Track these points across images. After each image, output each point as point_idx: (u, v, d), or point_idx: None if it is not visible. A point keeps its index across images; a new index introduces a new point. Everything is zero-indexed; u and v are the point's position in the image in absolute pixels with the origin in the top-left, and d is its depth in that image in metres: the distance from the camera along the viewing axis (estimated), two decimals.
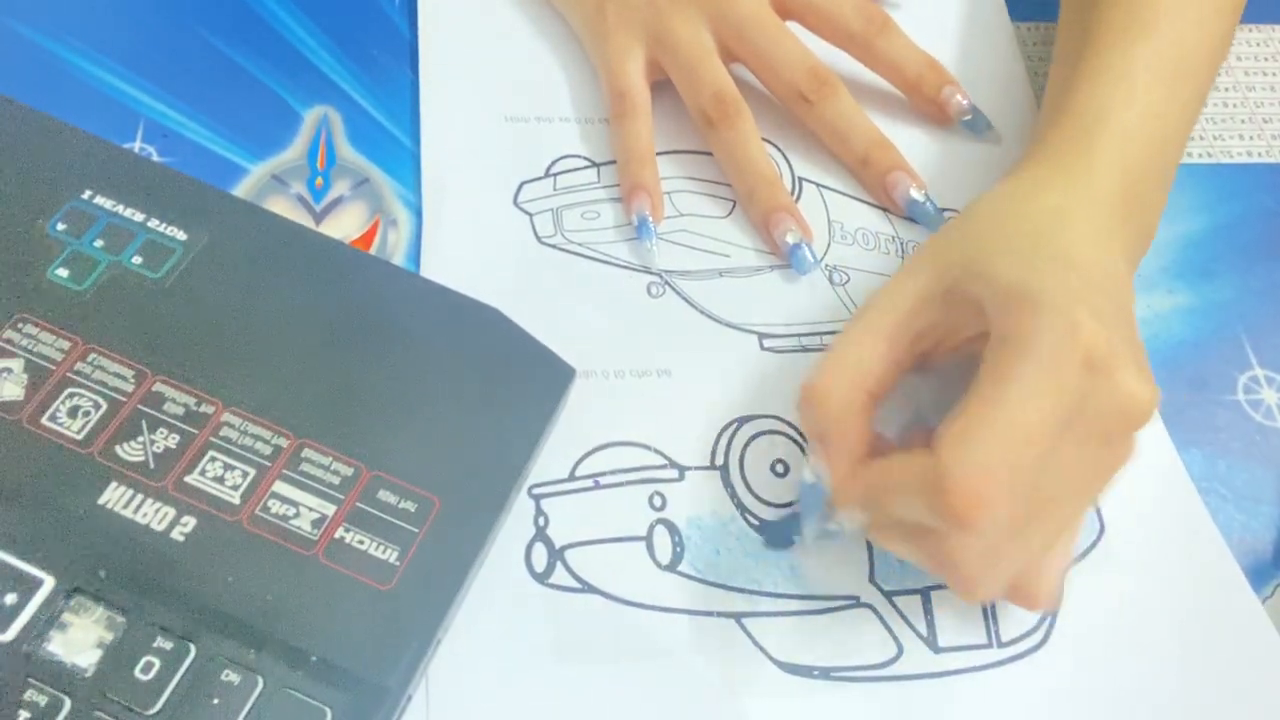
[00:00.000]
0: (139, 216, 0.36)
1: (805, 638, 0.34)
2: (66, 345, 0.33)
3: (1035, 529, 0.30)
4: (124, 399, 0.33)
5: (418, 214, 0.40)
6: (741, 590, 0.34)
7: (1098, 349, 0.28)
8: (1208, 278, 0.43)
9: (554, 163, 0.42)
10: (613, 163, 0.42)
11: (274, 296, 0.35)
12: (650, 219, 0.40)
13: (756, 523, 0.35)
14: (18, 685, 0.28)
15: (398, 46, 0.45)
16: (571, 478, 0.35)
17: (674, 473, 0.36)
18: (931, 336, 0.33)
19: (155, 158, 0.40)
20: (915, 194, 0.42)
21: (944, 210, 0.43)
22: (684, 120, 0.43)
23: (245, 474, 0.32)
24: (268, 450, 0.32)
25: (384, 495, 0.32)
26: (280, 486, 0.32)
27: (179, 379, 0.33)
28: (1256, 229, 0.45)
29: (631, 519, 0.35)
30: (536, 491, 0.35)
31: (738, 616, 0.34)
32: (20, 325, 0.33)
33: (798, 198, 0.43)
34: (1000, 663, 0.34)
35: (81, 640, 0.29)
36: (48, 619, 0.29)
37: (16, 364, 0.33)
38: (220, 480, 0.32)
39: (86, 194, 0.36)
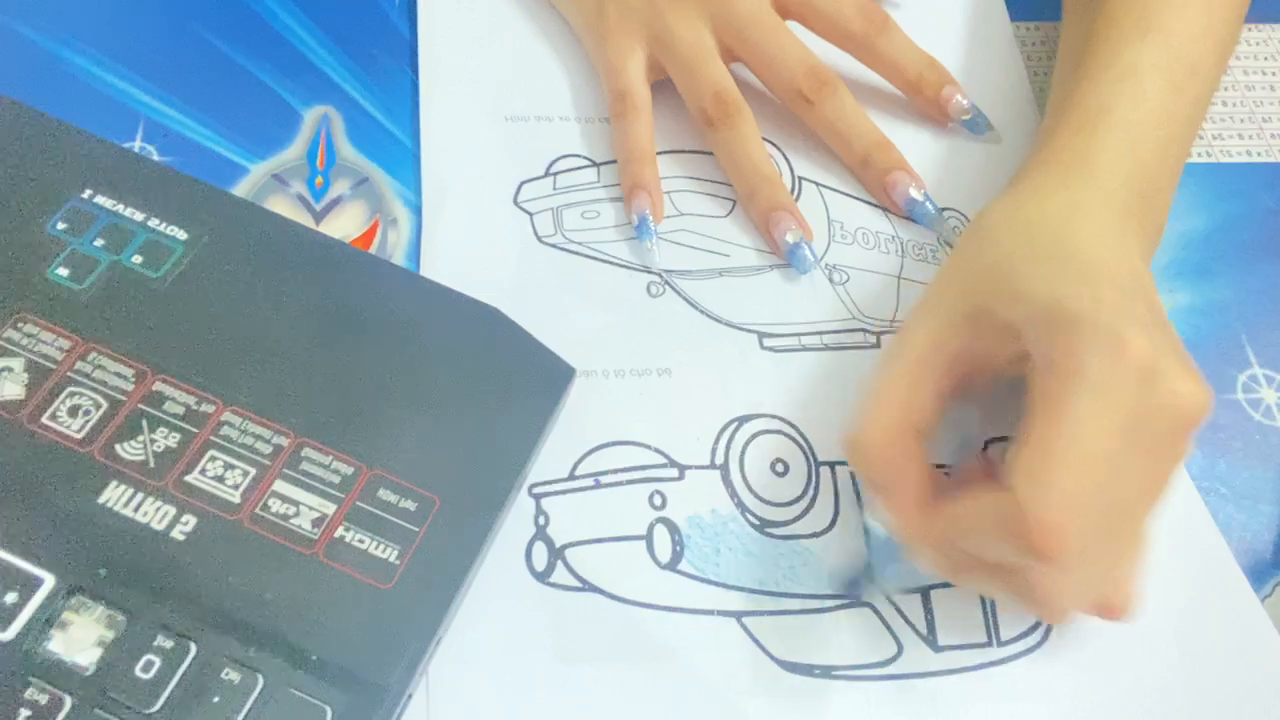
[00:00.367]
0: (139, 216, 0.36)
1: (805, 637, 0.34)
2: (67, 344, 0.33)
3: (1112, 544, 0.30)
4: (124, 398, 0.33)
5: (418, 213, 0.40)
6: (741, 589, 0.34)
7: (1148, 360, 0.28)
8: (1207, 277, 0.43)
9: (554, 162, 0.42)
10: (613, 162, 0.42)
11: (274, 296, 0.35)
12: (650, 218, 0.40)
13: (756, 521, 0.35)
14: (18, 684, 0.28)
15: (398, 46, 0.45)
16: (571, 477, 0.35)
17: (674, 472, 0.36)
18: (967, 361, 0.33)
19: (155, 157, 0.40)
20: (915, 194, 0.42)
21: (944, 210, 0.43)
22: (684, 120, 0.43)
23: (245, 473, 0.32)
24: (268, 449, 0.32)
25: (384, 494, 0.32)
26: (280, 485, 0.32)
27: (179, 378, 0.33)
28: (1256, 229, 0.45)
29: (631, 518, 0.35)
30: (536, 490, 0.35)
31: (738, 615, 0.34)
32: (20, 324, 0.33)
33: (798, 197, 0.43)
34: (1000, 661, 0.34)
35: (82, 639, 0.29)
36: (48, 618, 0.29)
37: (17, 363, 0.33)
38: (220, 479, 0.32)
39: (86, 193, 0.36)
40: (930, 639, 0.34)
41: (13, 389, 0.32)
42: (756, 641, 0.33)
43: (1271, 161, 0.47)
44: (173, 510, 0.31)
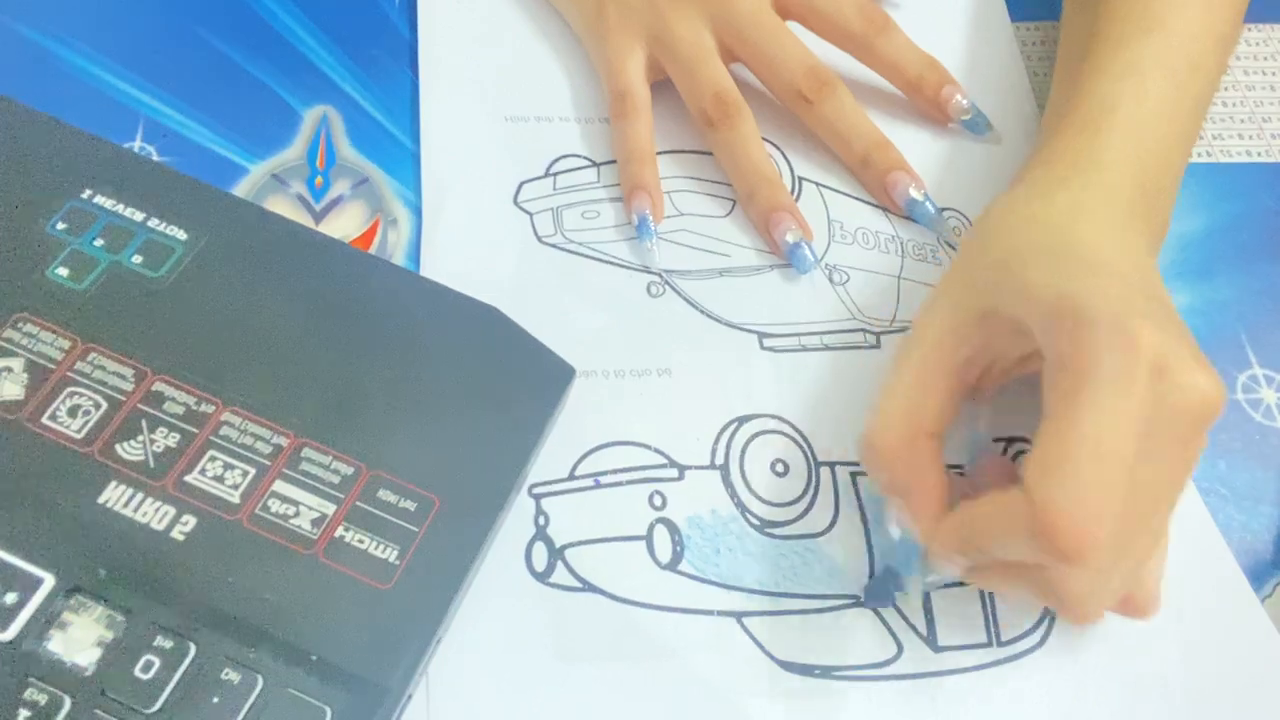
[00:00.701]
0: (139, 216, 0.36)
1: (805, 637, 0.34)
2: (66, 344, 0.33)
3: (1134, 542, 0.30)
4: (124, 398, 0.33)
5: (418, 213, 0.40)
6: (741, 589, 0.34)
7: (1161, 355, 0.28)
8: (1207, 278, 0.43)
9: (554, 162, 0.42)
10: (613, 162, 0.42)
11: (274, 296, 0.35)
12: (650, 218, 0.40)
13: (756, 522, 0.35)
14: (18, 684, 0.28)
15: (398, 46, 0.45)
16: (571, 477, 0.35)
17: (674, 472, 0.36)
18: (978, 363, 0.33)
19: (155, 157, 0.40)
20: (915, 194, 0.42)
21: (944, 210, 0.43)
22: (684, 120, 0.43)
23: (245, 473, 0.32)
24: (267, 449, 0.32)
25: (384, 494, 0.32)
26: (280, 486, 0.32)
27: (179, 378, 0.33)
28: (1256, 229, 0.45)
29: (632, 518, 0.35)
30: (537, 491, 0.35)
31: (738, 616, 0.34)
32: (20, 325, 0.33)
33: (798, 197, 0.43)
34: (1000, 662, 0.34)
35: (81, 639, 0.29)
36: (48, 618, 0.29)
37: (16, 363, 0.33)
38: (220, 479, 0.32)
39: (86, 194, 0.36)
40: (930, 639, 0.34)
41: (12, 389, 0.32)
42: (757, 642, 0.33)
43: (1271, 161, 0.47)
44: (172, 510, 0.31)
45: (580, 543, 0.34)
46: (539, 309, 0.37)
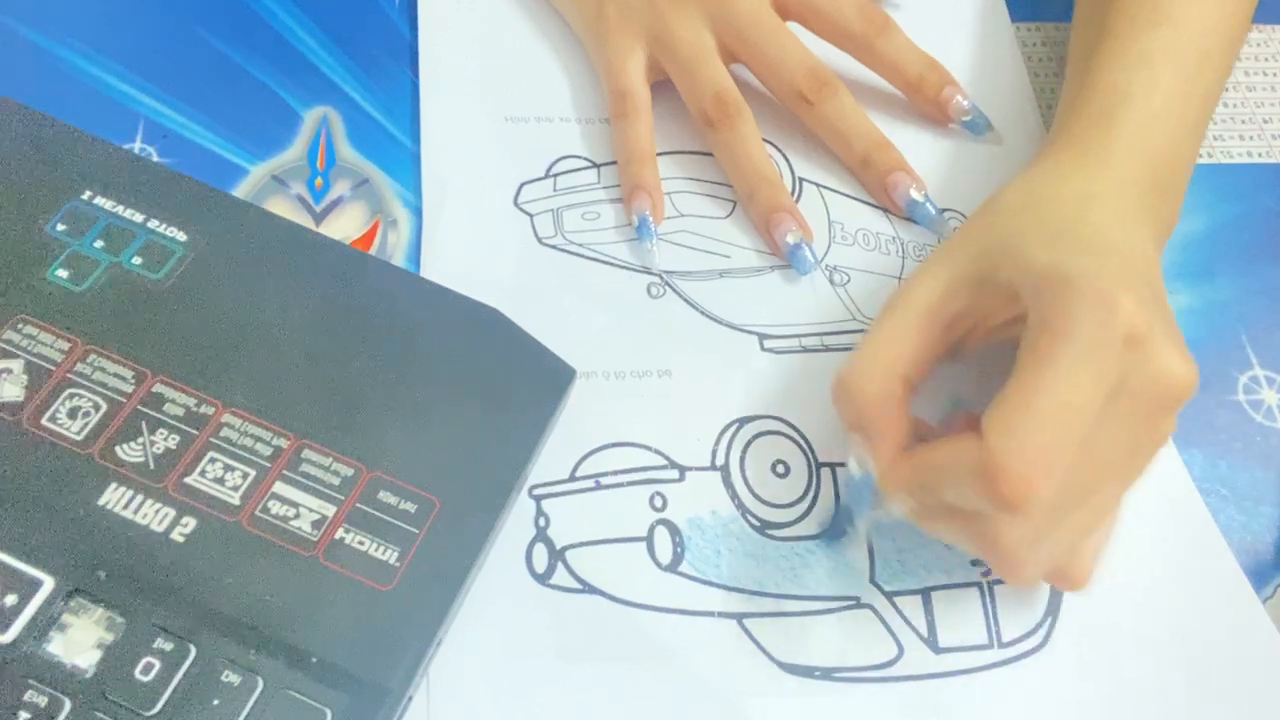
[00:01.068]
0: (139, 217, 0.36)
1: (806, 638, 0.34)
2: (66, 346, 0.33)
3: (1079, 510, 0.30)
4: (124, 400, 0.32)
5: (418, 214, 0.40)
6: (742, 590, 0.34)
7: (1138, 328, 0.29)
8: (1208, 278, 0.43)
9: (554, 163, 0.42)
10: (613, 163, 0.42)
11: (274, 297, 0.35)
12: (651, 219, 0.40)
13: (757, 523, 0.35)
14: (18, 686, 0.28)
15: (398, 46, 0.45)
16: (572, 478, 0.35)
17: (674, 473, 0.36)
18: (965, 323, 0.34)
19: (155, 158, 0.40)
20: (915, 195, 0.42)
21: (944, 210, 0.43)
22: (684, 120, 0.43)
23: (245, 475, 0.32)
24: (268, 451, 0.32)
25: (384, 496, 0.32)
26: (280, 487, 0.32)
27: (179, 380, 0.33)
28: (1256, 229, 0.45)
29: (632, 519, 0.35)
30: (537, 492, 0.35)
31: (738, 617, 0.34)
32: (20, 326, 0.33)
33: (798, 198, 0.43)
34: (1001, 663, 0.34)
35: (81, 641, 0.29)
36: (48, 620, 0.29)
37: (16, 365, 0.33)
38: (220, 481, 0.32)
39: (86, 194, 0.36)
40: (931, 641, 0.34)
41: (12, 391, 0.32)
42: (757, 643, 0.33)
43: (1272, 162, 0.47)
44: (172, 512, 0.31)
45: (581, 544, 0.34)
46: (539, 310, 0.37)
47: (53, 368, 0.33)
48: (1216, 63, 0.39)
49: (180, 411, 0.33)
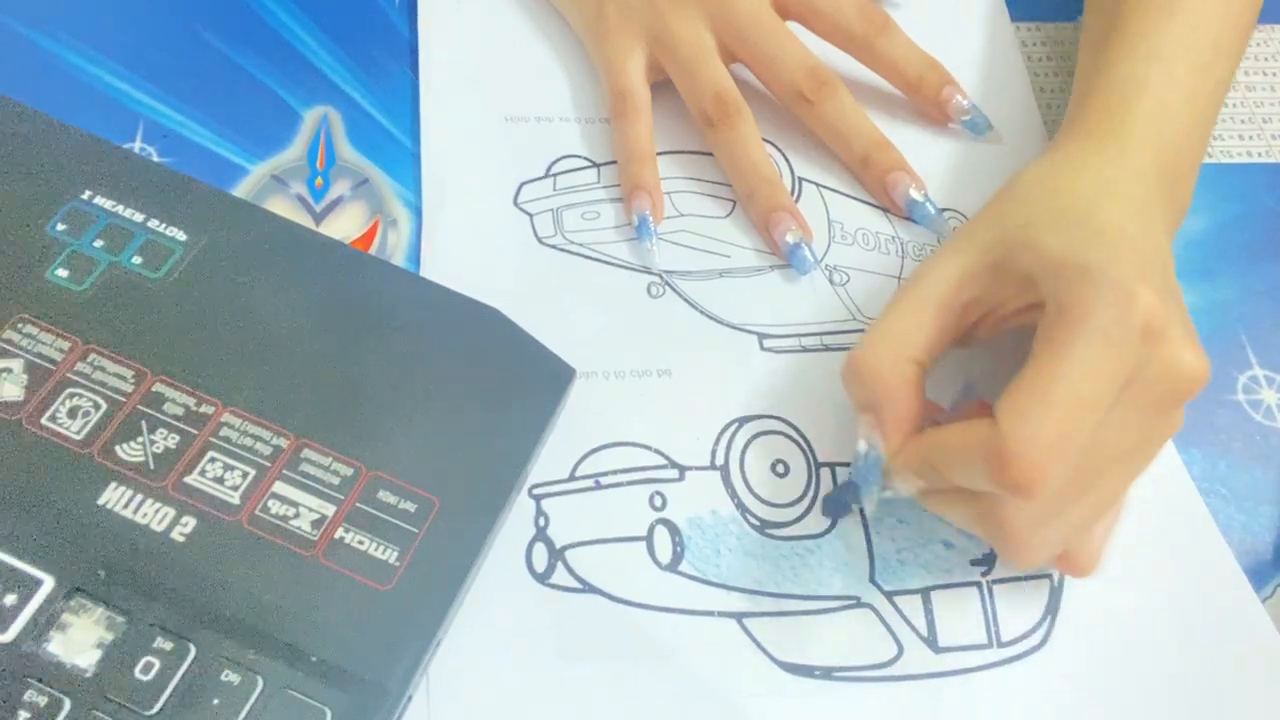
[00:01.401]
0: (139, 216, 0.36)
1: (806, 638, 0.34)
2: (66, 345, 0.33)
3: (1086, 496, 0.31)
4: (124, 399, 0.32)
5: (418, 214, 0.40)
6: (742, 590, 0.34)
7: (1155, 320, 0.29)
8: (1208, 278, 0.43)
9: (554, 163, 0.42)
10: (613, 163, 0.42)
11: (274, 297, 0.35)
12: (650, 219, 0.40)
13: (756, 522, 0.35)
14: (18, 685, 0.28)
15: (398, 46, 0.45)
16: (572, 478, 0.35)
17: (674, 473, 0.36)
18: (979, 309, 0.34)
19: (155, 158, 0.40)
20: (915, 194, 0.42)
21: (944, 210, 0.43)
22: (684, 120, 0.43)
23: (245, 474, 0.32)
24: (267, 450, 0.32)
25: (384, 495, 0.32)
26: (280, 487, 0.32)
27: (179, 379, 0.33)
28: (1257, 229, 0.45)
29: (632, 519, 0.35)
30: (537, 492, 0.35)
31: (738, 616, 0.34)
32: (20, 325, 0.33)
33: (798, 198, 0.43)
34: (1001, 663, 0.34)
35: (81, 640, 0.29)
36: (48, 619, 0.29)
37: (16, 364, 0.33)
38: (220, 480, 0.32)
39: (86, 194, 0.36)
40: (931, 640, 0.34)
41: (12, 390, 0.32)
42: (757, 643, 0.33)
43: (1272, 162, 0.47)
44: (172, 511, 0.31)
45: (580, 543, 0.34)
46: (539, 310, 0.37)
47: (53, 367, 0.33)
48: (1228, 54, 0.39)
49: (180, 411, 0.33)
